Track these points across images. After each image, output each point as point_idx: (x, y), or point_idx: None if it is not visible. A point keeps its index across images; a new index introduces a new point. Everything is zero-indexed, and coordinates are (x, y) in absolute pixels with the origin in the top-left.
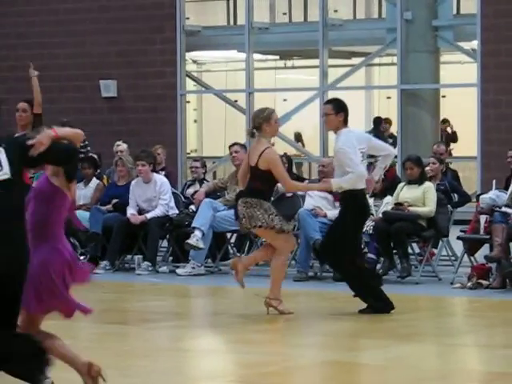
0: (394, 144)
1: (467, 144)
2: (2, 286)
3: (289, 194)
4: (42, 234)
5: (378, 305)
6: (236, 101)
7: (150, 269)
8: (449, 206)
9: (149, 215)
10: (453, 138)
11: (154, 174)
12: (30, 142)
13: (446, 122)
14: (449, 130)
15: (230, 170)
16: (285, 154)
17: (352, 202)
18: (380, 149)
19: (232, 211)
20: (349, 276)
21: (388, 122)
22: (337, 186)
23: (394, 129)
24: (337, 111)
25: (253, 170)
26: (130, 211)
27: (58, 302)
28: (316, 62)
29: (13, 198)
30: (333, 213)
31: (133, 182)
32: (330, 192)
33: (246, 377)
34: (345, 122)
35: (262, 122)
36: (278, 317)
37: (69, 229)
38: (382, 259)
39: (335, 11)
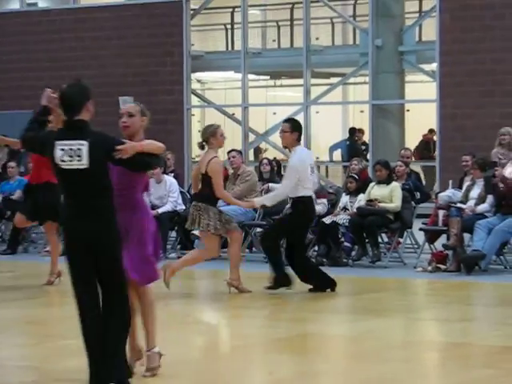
0: (366, 150)
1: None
2: (94, 257)
3: None
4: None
5: (322, 283)
6: (233, 114)
7: (161, 255)
8: (412, 202)
9: (160, 210)
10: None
11: (165, 176)
12: (118, 147)
13: (432, 131)
14: (435, 138)
15: (229, 173)
16: (274, 158)
17: (302, 207)
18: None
19: (229, 207)
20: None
21: (361, 131)
22: (260, 203)
23: (366, 137)
24: (292, 130)
25: (203, 176)
26: None
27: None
28: (300, 81)
29: (90, 182)
30: (316, 208)
31: None
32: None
33: (239, 347)
34: (298, 140)
35: (208, 136)
36: (273, 294)
37: None
38: (356, 247)
39: (317, 39)
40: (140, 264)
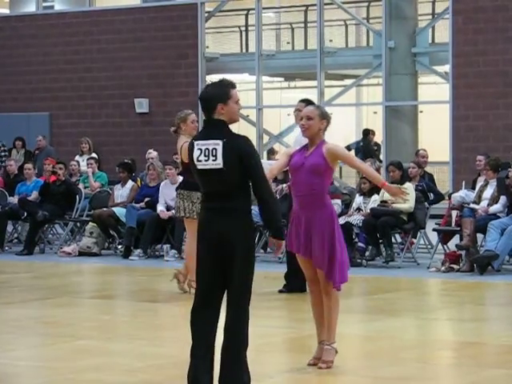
0: (377, 150)
1: (441, 151)
2: (225, 252)
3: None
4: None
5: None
6: (248, 115)
7: (177, 256)
8: (426, 203)
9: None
10: None
11: (180, 177)
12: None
13: (369, 131)
14: (376, 139)
15: None
16: None
17: None
18: None
19: None
20: None
21: (372, 133)
22: None
23: (378, 138)
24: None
25: (182, 164)
26: (160, 208)
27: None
28: (314, 83)
29: (225, 182)
30: None
31: (162, 184)
32: None
33: (257, 345)
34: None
35: (179, 123)
36: (283, 296)
37: (108, 222)
38: (369, 247)
39: (330, 41)
40: (335, 263)
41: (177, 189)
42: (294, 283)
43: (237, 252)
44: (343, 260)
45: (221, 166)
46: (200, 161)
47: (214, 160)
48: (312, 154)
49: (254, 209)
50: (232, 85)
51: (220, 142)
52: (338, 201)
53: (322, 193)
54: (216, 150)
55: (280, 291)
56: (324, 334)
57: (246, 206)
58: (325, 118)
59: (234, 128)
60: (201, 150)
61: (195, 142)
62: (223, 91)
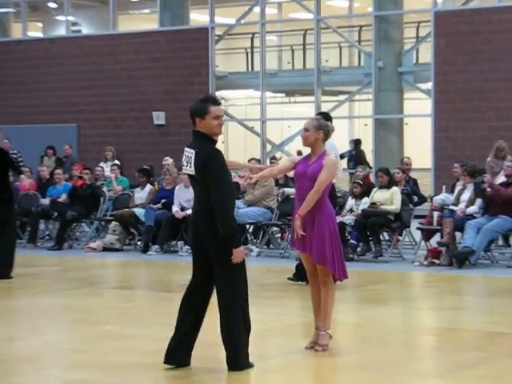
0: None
1: (424, 159)
2: (204, 252)
3: (292, 196)
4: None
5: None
6: (253, 127)
7: (189, 251)
8: (410, 204)
9: (189, 211)
10: None
11: None
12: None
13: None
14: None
15: None
16: None
17: None
18: None
19: (249, 208)
20: None
21: (359, 142)
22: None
23: (368, 147)
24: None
25: None
26: (175, 208)
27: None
28: (312, 98)
29: (197, 186)
30: None
31: (177, 187)
32: None
33: (260, 330)
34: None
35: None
36: (284, 286)
37: (129, 221)
38: (360, 244)
39: (326, 61)
40: (335, 258)
41: None
42: (303, 274)
43: (211, 250)
44: (343, 257)
45: (193, 172)
46: (184, 166)
47: (189, 167)
48: (314, 163)
49: (247, 211)
50: (214, 102)
51: (193, 152)
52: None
53: (321, 197)
54: (191, 158)
55: (289, 278)
56: (320, 320)
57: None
58: (321, 129)
59: (241, 138)
60: (185, 156)
61: (185, 149)
62: (202, 107)
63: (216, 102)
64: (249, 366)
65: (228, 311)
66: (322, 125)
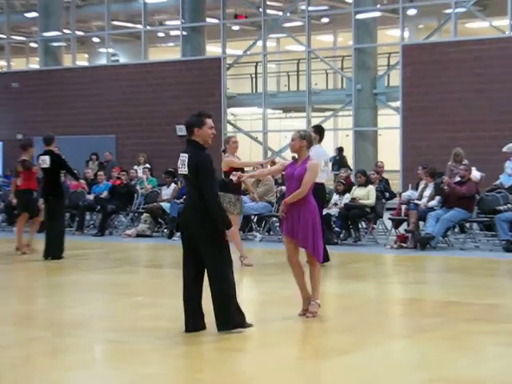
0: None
1: (394, 163)
2: (193, 243)
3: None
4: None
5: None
6: (256, 137)
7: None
8: (383, 199)
9: None
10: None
11: None
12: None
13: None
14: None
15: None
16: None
17: (316, 191)
18: None
19: (253, 203)
20: None
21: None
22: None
23: (349, 154)
24: (315, 132)
25: (224, 172)
26: None
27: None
28: (304, 114)
29: (189, 185)
30: None
31: None
32: None
33: (261, 300)
34: (319, 141)
35: (225, 143)
36: (282, 265)
37: (157, 213)
38: (343, 231)
39: (315, 84)
40: (315, 243)
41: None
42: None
43: (201, 238)
44: (321, 244)
45: (187, 172)
46: (179, 168)
47: (184, 168)
48: (299, 166)
49: (252, 205)
50: (208, 115)
51: (187, 156)
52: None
53: (306, 195)
54: (185, 161)
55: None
56: (306, 292)
57: (203, 203)
58: (304, 138)
59: (247, 146)
60: (180, 160)
61: (180, 154)
62: (199, 119)
63: (209, 116)
64: (246, 325)
65: (220, 281)
66: (305, 135)
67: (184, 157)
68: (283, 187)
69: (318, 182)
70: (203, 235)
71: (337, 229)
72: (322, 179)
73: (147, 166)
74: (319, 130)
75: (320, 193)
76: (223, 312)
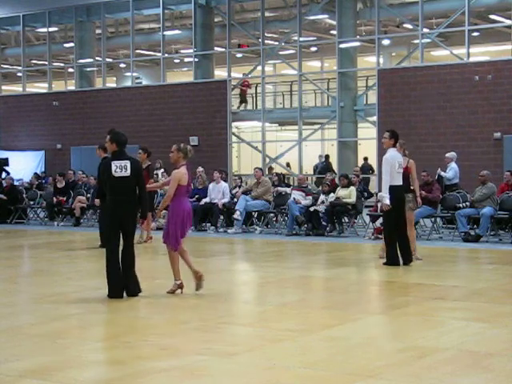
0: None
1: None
2: (119, 225)
3: (283, 193)
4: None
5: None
6: (256, 147)
7: (214, 230)
8: (362, 198)
9: (221, 201)
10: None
11: (222, 181)
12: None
13: (366, 159)
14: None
15: (253, 181)
16: (280, 173)
17: (394, 193)
18: None
19: (254, 201)
20: None
21: (327, 156)
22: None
23: (334, 160)
24: (390, 137)
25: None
26: (205, 200)
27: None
28: (296, 127)
29: (130, 184)
30: (305, 202)
31: (210, 185)
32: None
33: (259, 283)
34: (393, 145)
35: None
36: (278, 253)
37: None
38: (329, 225)
39: (305, 102)
40: (171, 234)
41: (232, 197)
42: (392, 256)
43: (128, 223)
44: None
45: (129, 174)
46: (119, 171)
47: (125, 171)
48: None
49: (253, 203)
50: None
51: (129, 162)
52: (310, 197)
53: (174, 197)
54: (127, 165)
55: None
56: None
57: (136, 199)
58: (180, 150)
59: (248, 154)
60: (119, 165)
61: (111, 162)
62: (125, 137)
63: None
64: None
65: (133, 255)
66: (181, 148)
67: (123, 163)
68: (279, 188)
69: (396, 185)
70: (131, 222)
71: (324, 223)
72: (398, 182)
73: (162, 170)
74: (394, 135)
75: (398, 193)
76: (135, 280)
